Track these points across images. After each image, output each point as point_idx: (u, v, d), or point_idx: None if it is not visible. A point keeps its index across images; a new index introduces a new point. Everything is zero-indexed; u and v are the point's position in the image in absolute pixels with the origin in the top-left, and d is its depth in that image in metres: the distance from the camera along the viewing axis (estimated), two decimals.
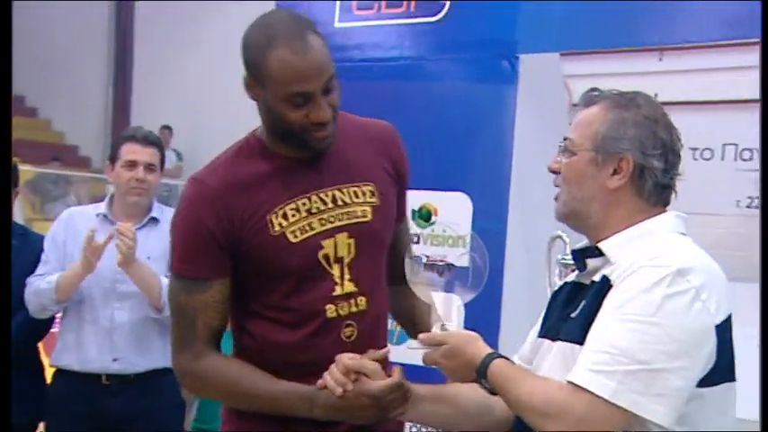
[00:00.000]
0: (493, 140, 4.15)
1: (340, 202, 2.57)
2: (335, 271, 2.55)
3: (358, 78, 3.81)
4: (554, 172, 2.35)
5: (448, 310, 2.44)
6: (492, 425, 2.48)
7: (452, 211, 4.14)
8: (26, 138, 15.81)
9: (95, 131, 19.25)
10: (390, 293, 2.72)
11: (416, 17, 4.37)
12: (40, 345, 4.54)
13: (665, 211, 2.31)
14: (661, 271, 2.09)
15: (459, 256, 2.66)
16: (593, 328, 2.14)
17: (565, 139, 2.34)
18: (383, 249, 2.64)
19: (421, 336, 2.42)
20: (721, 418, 2.19)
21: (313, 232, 2.54)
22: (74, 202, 14.05)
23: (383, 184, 2.66)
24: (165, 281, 4.06)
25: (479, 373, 2.25)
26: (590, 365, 2.08)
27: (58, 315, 4.35)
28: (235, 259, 2.54)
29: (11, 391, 2.91)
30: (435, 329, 2.39)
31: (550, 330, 2.34)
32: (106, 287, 4.17)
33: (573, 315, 2.25)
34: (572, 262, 2.44)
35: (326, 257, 2.55)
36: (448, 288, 2.49)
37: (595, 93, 2.37)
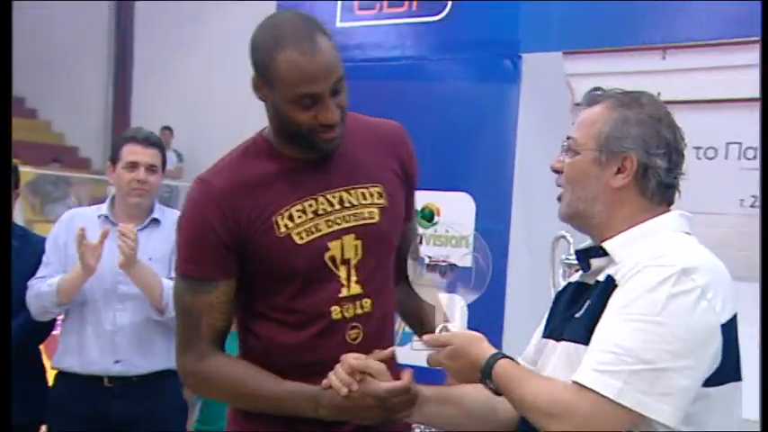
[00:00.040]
0: (495, 140, 4.15)
1: (347, 204, 2.56)
2: (342, 273, 2.54)
3: (359, 78, 3.79)
4: (557, 171, 2.34)
5: (451, 310, 2.43)
6: (497, 425, 2.47)
7: (455, 211, 4.14)
8: (26, 139, 15.80)
9: (95, 133, 19.24)
10: (398, 293, 2.70)
11: (418, 17, 4.37)
12: (41, 347, 4.54)
13: (668, 211, 2.30)
14: (666, 270, 2.09)
15: (462, 257, 2.65)
16: (598, 328, 2.13)
17: (568, 138, 2.33)
18: (391, 251, 2.63)
19: (425, 337, 2.41)
20: (727, 417, 2.18)
21: (319, 234, 2.53)
22: (74, 203, 14.04)
23: (391, 186, 2.65)
24: (167, 282, 4.06)
25: (484, 374, 2.24)
26: (595, 365, 2.08)
27: (60, 317, 4.34)
28: (241, 260, 2.53)
29: (11, 392, 2.89)
30: (439, 330, 2.39)
31: (555, 331, 2.34)
32: (107, 289, 4.16)
33: (577, 315, 2.24)
34: (576, 262, 2.44)
35: (333, 259, 2.54)
36: (451, 289, 2.49)
37: (598, 92, 2.37)
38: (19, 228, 4.60)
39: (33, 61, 17.22)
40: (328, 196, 2.55)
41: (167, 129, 15.40)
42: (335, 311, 2.53)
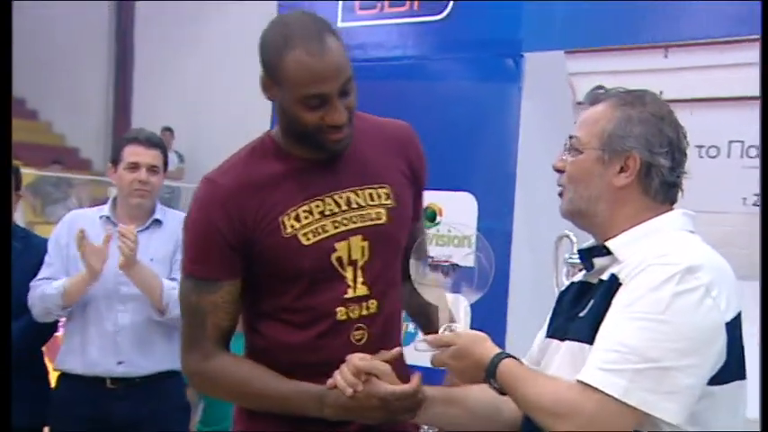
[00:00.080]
0: (497, 140, 4.14)
1: (354, 205, 2.56)
2: (348, 273, 2.54)
3: (361, 78, 3.78)
4: (559, 171, 2.34)
5: (455, 310, 2.42)
6: (501, 426, 2.47)
7: (457, 210, 4.14)
8: (27, 140, 15.78)
9: (96, 134, 19.23)
10: (405, 292, 2.70)
11: (419, 16, 4.37)
12: (43, 349, 4.54)
13: (671, 210, 2.30)
14: (670, 269, 2.08)
15: (465, 257, 2.64)
16: (603, 327, 2.13)
17: (570, 137, 2.33)
18: (398, 252, 2.62)
19: (428, 337, 2.41)
20: (732, 416, 2.18)
21: (326, 235, 2.52)
22: (75, 204, 14.03)
23: (399, 186, 2.64)
24: (167, 283, 4.07)
25: (488, 374, 2.24)
26: (600, 364, 2.07)
27: (62, 318, 4.34)
28: (247, 260, 2.53)
29: (11, 393, 2.89)
30: (443, 330, 2.38)
31: (558, 330, 2.33)
32: (109, 290, 4.17)
33: (581, 314, 2.24)
34: (579, 261, 2.43)
35: (340, 260, 2.53)
36: (454, 289, 2.48)
37: (601, 91, 2.37)
38: (21, 229, 4.61)
39: (34, 62, 17.21)
40: (335, 197, 2.54)
41: (168, 130, 15.39)
42: (341, 312, 2.53)
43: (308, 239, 2.51)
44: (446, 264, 2.53)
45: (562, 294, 2.48)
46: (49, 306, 4.14)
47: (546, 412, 2.13)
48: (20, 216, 6.01)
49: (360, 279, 2.54)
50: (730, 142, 3.64)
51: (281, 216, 2.50)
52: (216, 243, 2.50)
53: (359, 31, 4.49)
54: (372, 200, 2.58)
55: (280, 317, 2.56)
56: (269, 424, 2.56)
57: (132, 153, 4.22)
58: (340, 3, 4.53)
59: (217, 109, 16.09)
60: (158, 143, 4.34)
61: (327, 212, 2.53)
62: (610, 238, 2.26)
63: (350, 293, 2.54)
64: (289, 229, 2.50)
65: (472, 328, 2.43)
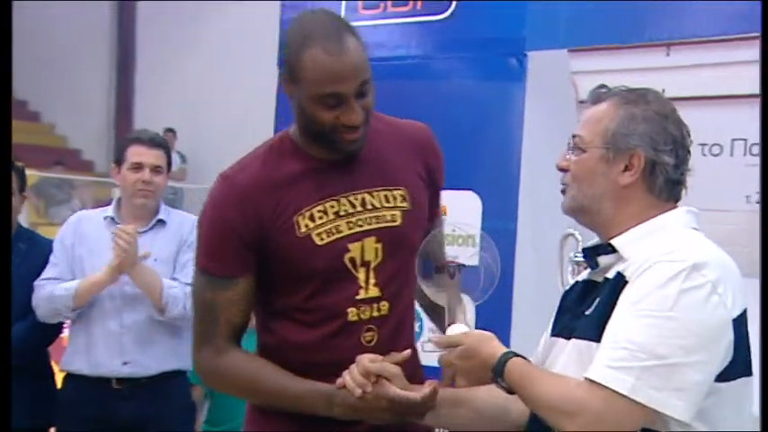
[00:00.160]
0: (501, 138, 4.14)
1: (369, 206, 2.56)
2: (361, 275, 2.54)
3: None
4: (563, 170, 2.34)
5: (462, 310, 2.42)
6: (509, 426, 2.46)
7: (461, 210, 4.13)
8: (29, 142, 15.79)
9: (98, 135, 19.24)
10: (418, 287, 2.68)
11: (423, 15, 4.37)
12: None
13: (676, 207, 2.30)
14: (676, 265, 2.09)
15: (470, 256, 2.64)
16: (610, 325, 2.13)
17: (574, 136, 2.33)
18: (412, 254, 2.57)
19: (435, 337, 2.41)
20: (738, 412, 2.18)
21: (340, 235, 2.52)
22: (78, 206, 14.04)
23: (415, 189, 2.64)
24: (167, 282, 4.08)
25: (496, 373, 2.23)
26: (608, 362, 2.07)
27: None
28: (261, 258, 2.53)
29: (11, 393, 2.89)
30: (450, 331, 2.38)
31: (564, 329, 2.33)
32: (113, 290, 4.17)
33: (587, 313, 2.24)
34: (584, 260, 2.43)
35: (353, 261, 2.53)
36: (460, 290, 2.49)
37: (603, 90, 2.37)
38: (26, 230, 4.62)
39: (36, 63, 17.23)
40: (351, 198, 2.54)
41: (170, 131, 15.39)
42: (352, 313, 2.53)
43: (322, 239, 2.51)
44: (452, 264, 2.52)
45: (567, 293, 2.48)
46: (59, 307, 4.14)
47: (554, 410, 2.13)
48: (23, 218, 6.02)
49: (372, 280, 2.54)
50: (733, 140, 3.65)
51: (296, 215, 2.51)
52: (231, 240, 2.50)
53: (362, 31, 4.40)
54: (388, 202, 2.58)
55: (292, 316, 2.56)
56: (281, 424, 2.56)
57: (135, 153, 4.23)
58: (343, 3, 4.53)
59: (217, 109, 16.11)
60: (161, 143, 4.35)
61: (342, 213, 2.53)
62: (614, 236, 2.26)
63: (362, 294, 2.54)
64: (303, 229, 2.50)
65: (476, 327, 2.44)
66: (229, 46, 15.82)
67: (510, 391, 2.24)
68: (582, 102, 3.53)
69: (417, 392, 2.41)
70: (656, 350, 2.04)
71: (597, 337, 2.15)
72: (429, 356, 2.64)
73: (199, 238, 2.60)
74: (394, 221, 2.57)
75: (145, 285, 4.11)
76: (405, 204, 2.60)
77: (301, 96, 2.46)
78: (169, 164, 4.35)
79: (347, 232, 2.53)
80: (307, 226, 2.51)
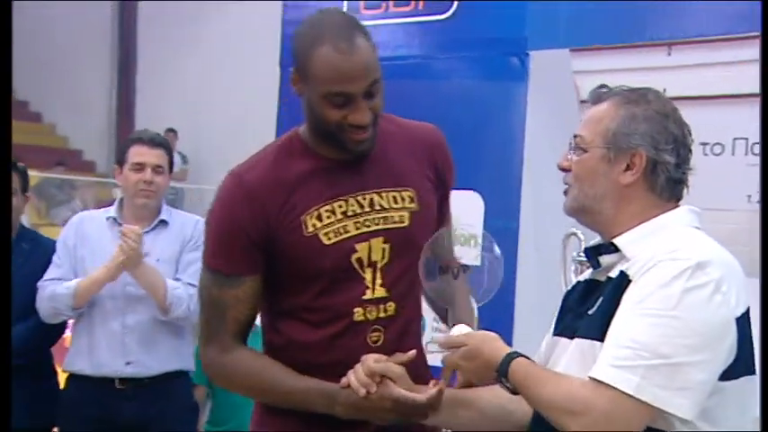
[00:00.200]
0: (503, 138, 4.15)
1: (377, 207, 2.56)
2: (368, 275, 2.54)
3: None
4: (564, 170, 2.34)
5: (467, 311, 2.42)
6: (512, 426, 2.46)
7: (463, 210, 4.13)
8: (30, 143, 15.77)
9: (99, 135, 19.21)
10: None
11: (424, 15, 4.38)
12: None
13: (677, 206, 2.30)
14: (680, 264, 2.09)
15: (473, 257, 2.64)
16: (614, 324, 2.13)
17: (575, 136, 2.33)
18: (420, 256, 2.59)
19: (439, 338, 2.41)
20: (741, 411, 2.18)
21: (347, 235, 2.52)
22: (79, 206, 14.01)
23: (424, 190, 2.64)
24: (171, 283, 4.08)
25: (500, 373, 2.23)
26: (612, 361, 2.07)
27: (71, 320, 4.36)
28: (269, 257, 2.53)
29: (11, 393, 2.89)
30: (454, 331, 2.38)
31: (567, 328, 2.33)
32: (116, 290, 4.17)
33: (590, 312, 2.24)
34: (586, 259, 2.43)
35: (359, 261, 2.53)
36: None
37: (604, 89, 2.37)
38: (29, 231, 4.63)
39: (37, 64, 17.21)
40: (359, 198, 2.54)
41: (171, 131, 15.37)
42: (358, 313, 2.53)
43: (329, 239, 2.51)
44: (456, 265, 2.52)
45: (569, 293, 2.48)
46: (59, 306, 4.14)
47: (559, 410, 2.13)
48: (24, 218, 6.03)
49: (378, 281, 2.54)
50: (734, 139, 3.65)
51: (304, 215, 2.51)
52: (239, 239, 2.51)
53: None
54: (396, 203, 2.58)
55: (298, 315, 2.57)
56: (288, 424, 2.57)
57: (137, 153, 4.23)
58: (345, 2, 4.54)
59: (218, 109, 16.08)
60: (163, 143, 4.35)
61: (350, 213, 2.53)
62: (616, 236, 2.26)
63: (368, 295, 2.54)
64: (310, 228, 2.51)
65: (479, 327, 2.44)
66: (230, 46, 15.79)
67: (514, 392, 2.24)
68: (583, 101, 3.53)
69: (422, 393, 2.41)
70: (660, 349, 2.04)
71: (601, 337, 2.15)
72: (431, 356, 2.65)
73: (206, 236, 2.60)
74: (402, 222, 2.57)
75: (149, 285, 4.12)
76: (413, 206, 2.60)
77: (310, 94, 2.46)
78: (171, 164, 4.35)
79: (354, 232, 2.53)
80: (314, 225, 2.51)
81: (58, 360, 4.48)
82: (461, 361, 2.32)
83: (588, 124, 2.31)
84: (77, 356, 4.22)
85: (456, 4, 4.29)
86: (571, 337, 2.27)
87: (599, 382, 2.08)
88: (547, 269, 3.91)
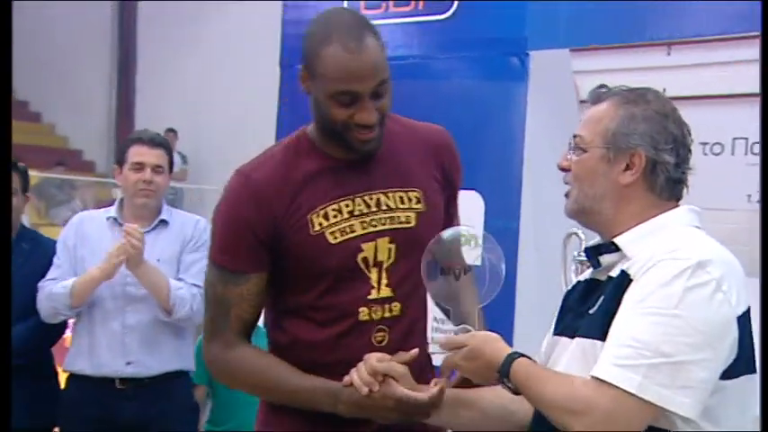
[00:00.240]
0: (504, 138, 4.15)
1: (384, 207, 2.56)
2: (373, 275, 2.54)
3: None
4: (564, 170, 2.34)
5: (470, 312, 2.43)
6: (514, 426, 2.46)
7: (464, 210, 4.13)
8: (30, 143, 15.77)
9: (99, 135, 19.20)
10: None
11: (424, 15, 4.38)
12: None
13: (677, 206, 2.30)
14: (681, 263, 2.09)
15: (473, 257, 2.64)
16: (615, 323, 2.13)
17: (574, 136, 2.33)
18: None
19: (441, 339, 2.41)
20: (742, 410, 2.18)
21: (353, 234, 2.53)
22: (79, 206, 14.01)
23: (431, 191, 2.64)
24: (174, 283, 4.08)
25: (502, 373, 2.23)
26: (614, 360, 2.07)
27: (71, 320, 4.36)
28: (274, 255, 2.54)
29: (10, 393, 2.90)
30: (455, 332, 2.38)
31: (567, 328, 2.33)
32: (116, 290, 4.17)
33: (591, 311, 2.24)
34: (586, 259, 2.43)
35: (365, 260, 2.53)
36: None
37: (603, 89, 2.37)
38: (29, 231, 4.63)
39: (37, 64, 17.20)
40: (366, 198, 2.55)
41: (171, 131, 15.37)
42: (363, 312, 2.53)
43: (335, 238, 2.51)
44: (458, 266, 2.52)
45: (569, 293, 2.48)
46: (57, 306, 4.14)
47: (561, 410, 2.13)
48: (24, 218, 6.03)
49: (384, 281, 2.54)
50: (734, 139, 3.65)
51: (310, 213, 2.51)
52: (245, 236, 2.51)
53: None
54: (403, 203, 2.58)
55: (303, 314, 2.57)
56: (293, 423, 2.57)
57: (137, 153, 4.23)
58: (345, 2, 4.54)
59: (218, 109, 16.07)
60: (162, 143, 4.35)
61: (357, 212, 2.53)
62: (616, 236, 2.26)
63: (373, 294, 2.54)
64: (316, 227, 2.51)
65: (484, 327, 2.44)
66: (230, 46, 15.78)
67: (516, 392, 2.24)
68: (583, 101, 3.53)
69: (424, 392, 2.41)
70: (661, 348, 2.05)
71: (602, 336, 2.15)
72: (433, 356, 2.65)
73: (213, 233, 2.61)
74: (408, 223, 2.58)
75: (151, 286, 4.12)
76: (419, 206, 2.60)
77: (318, 93, 2.47)
78: (171, 164, 4.35)
79: (361, 232, 2.53)
80: (320, 224, 2.51)
81: (59, 360, 4.48)
82: (463, 362, 2.32)
83: (588, 124, 2.31)
84: (78, 356, 4.22)
85: (456, 4, 4.29)
86: (572, 337, 2.27)
87: (601, 381, 2.08)
88: (547, 269, 3.91)
